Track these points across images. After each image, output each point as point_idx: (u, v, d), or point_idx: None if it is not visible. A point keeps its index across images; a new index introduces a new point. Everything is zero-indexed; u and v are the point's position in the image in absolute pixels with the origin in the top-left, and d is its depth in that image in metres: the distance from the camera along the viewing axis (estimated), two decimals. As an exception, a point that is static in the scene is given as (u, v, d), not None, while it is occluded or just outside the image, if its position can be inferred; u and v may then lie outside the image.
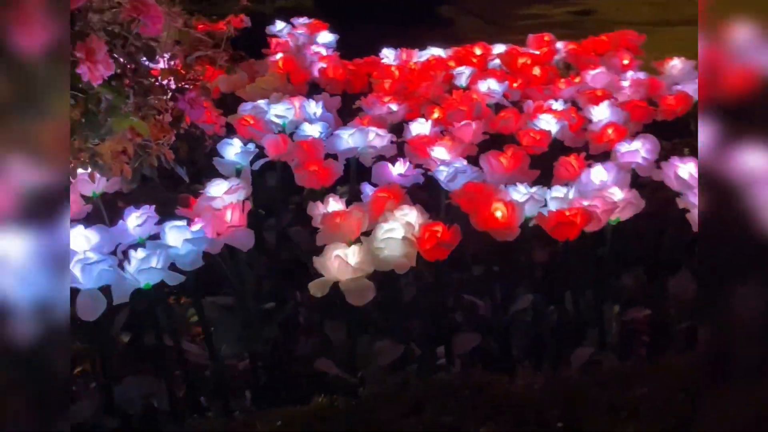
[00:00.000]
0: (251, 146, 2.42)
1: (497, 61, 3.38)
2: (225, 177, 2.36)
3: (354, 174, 2.43)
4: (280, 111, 2.72)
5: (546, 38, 3.45)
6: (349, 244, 1.79)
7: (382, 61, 3.43)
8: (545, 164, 2.31)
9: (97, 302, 1.75)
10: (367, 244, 1.79)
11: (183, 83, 2.36)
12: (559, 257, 2.23)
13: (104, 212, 2.22)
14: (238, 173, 2.40)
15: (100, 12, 2.02)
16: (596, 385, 1.82)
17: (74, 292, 1.78)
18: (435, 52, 3.51)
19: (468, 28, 8.14)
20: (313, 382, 1.98)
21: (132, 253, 1.78)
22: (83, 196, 2.19)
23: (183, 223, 1.90)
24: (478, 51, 3.45)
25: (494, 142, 2.50)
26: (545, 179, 2.21)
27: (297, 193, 2.74)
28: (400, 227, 1.80)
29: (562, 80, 2.97)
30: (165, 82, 2.27)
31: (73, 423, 1.84)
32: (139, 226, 1.97)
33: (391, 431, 1.70)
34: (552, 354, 2.02)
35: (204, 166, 2.54)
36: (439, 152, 2.33)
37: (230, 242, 1.99)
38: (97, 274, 1.75)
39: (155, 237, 1.94)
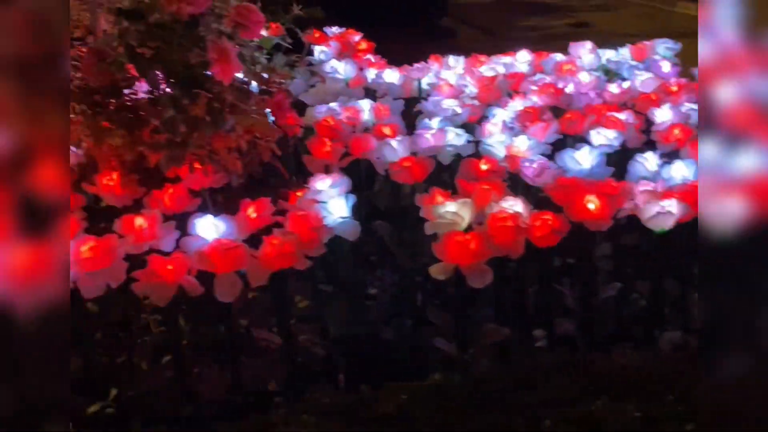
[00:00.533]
0: (338, 145, 2.55)
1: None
2: (312, 174, 2.50)
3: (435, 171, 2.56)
4: (351, 114, 2.86)
5: (588, 46, 3.61)
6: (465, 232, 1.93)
7: (431, 67, 3.57)
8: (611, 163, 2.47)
9: (234, 285, 1.88)
10: (480, 231, 1.93)
11: (267, 86, 2.49)
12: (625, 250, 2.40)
13: (210, 205, 2.34)
14: (327, 170, 2.53)
15: (217, 17, 2.15)
16: (689, 362, 1.97)
17: (209, 276, 1.91)
18: (482, 58, 3.65)
19: (469, 39, 8.31)
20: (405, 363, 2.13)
21: (266, 239, 1.90)
22: (191, 190, 2.31)
23: (305, 213, 2.03)
24: (524, 57, 3.60)
25: (564, 141, 2.66)
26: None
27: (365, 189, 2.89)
28: (511, 217, 1.94)
29: (614, 84, 3.12)
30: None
31: (200, 401, 1.96)
32: (258, 216, 2.10)
33: (510, 404, 1.84)
34: (640, 336, 2.16)
35: (288, 164, 2.66)
36: (518, 150, 2.48)
37: (339, 232, 2.12)
38: (234, 258, 1.88)
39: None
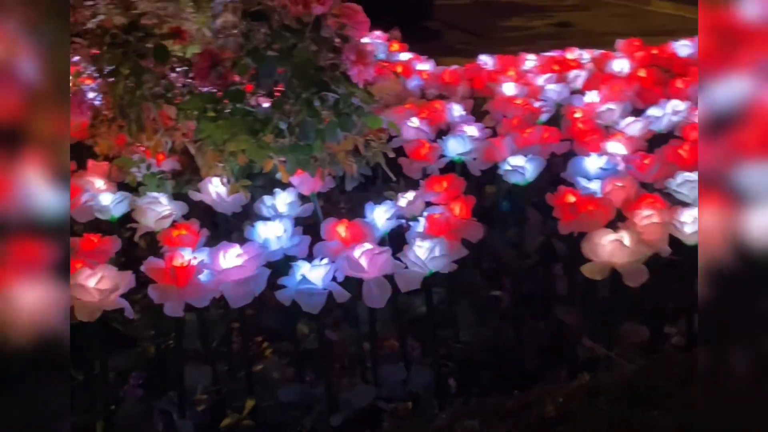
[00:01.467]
0: (436, 146, 2.52)
1: (590, 66, 3.54)
2: (411, 177, 2.48)
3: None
4: (428, 114, 2.83)
5: (636, 43, 3.62)
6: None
7: (483, 67, 3.56)
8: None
9: (383, 290, 1.83)
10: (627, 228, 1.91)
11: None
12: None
13: (319, 211, 2.29)
14: (424, 172, 2.49)
15: (333, 17, 2.10)
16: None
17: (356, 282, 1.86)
18: (530, 57, 3.65)
19: (456, 41, 8.33)
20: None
21: (418, 242, 1.86)
22: (301, 196, 2.26)
23: (441, 215, 1.99)
24: (570, 56, 3.60)
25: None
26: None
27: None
28: (656, 213, 1.93)
29: (679, 81, 3.13)
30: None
31: (355, 408, 1.91)
32: (388, 219, 2.06)
33: (676, 402, 1.82)
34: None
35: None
36: (615, 147, 2.47)
37: (462, 235, 2.08)
38: (382, 264, 1.83)
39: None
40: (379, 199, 2.20)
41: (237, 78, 2.07)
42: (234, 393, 2.00)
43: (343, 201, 2.59)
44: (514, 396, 1.87)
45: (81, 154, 2.92)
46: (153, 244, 2.27)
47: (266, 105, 2.09)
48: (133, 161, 2.33)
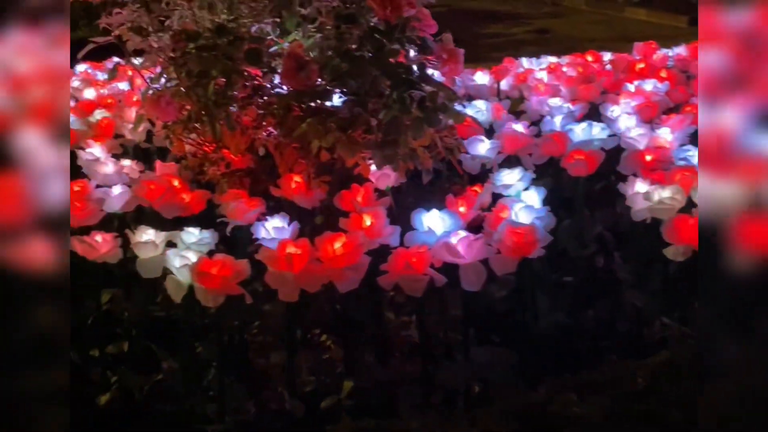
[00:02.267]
0: (496, 142, 2.64)
1: (608, 67, 3.70)
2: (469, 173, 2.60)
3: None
4: (474, 112, 2.97)
5: (653, 46, 3.79)
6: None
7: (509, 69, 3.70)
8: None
9: (479, 274, 1.95)
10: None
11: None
12: None
13: (393, 203, 2.40)
14: (483, 167, 2.62)
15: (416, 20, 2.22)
16: None
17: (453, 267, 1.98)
18: (551, 59, 3.80)
19: (438, 47, 8.47)
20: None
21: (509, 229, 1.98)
22: (377, 190, 2.37)
23: (526, 203, 2.12)
24: (590, 58, 3.76)
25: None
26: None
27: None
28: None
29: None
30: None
31: (445, 387, 2.03)
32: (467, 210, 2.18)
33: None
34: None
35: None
36: (664, 141, 2.62)
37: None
38: (478, 249, 1.95)
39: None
40: (444, 193, 2.32)
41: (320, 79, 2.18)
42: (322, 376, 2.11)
43: (411, 195, 2.70)
44: (603, 372, 2.00)
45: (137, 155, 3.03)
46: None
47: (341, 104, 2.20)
48: (211, 160, 2.43)
